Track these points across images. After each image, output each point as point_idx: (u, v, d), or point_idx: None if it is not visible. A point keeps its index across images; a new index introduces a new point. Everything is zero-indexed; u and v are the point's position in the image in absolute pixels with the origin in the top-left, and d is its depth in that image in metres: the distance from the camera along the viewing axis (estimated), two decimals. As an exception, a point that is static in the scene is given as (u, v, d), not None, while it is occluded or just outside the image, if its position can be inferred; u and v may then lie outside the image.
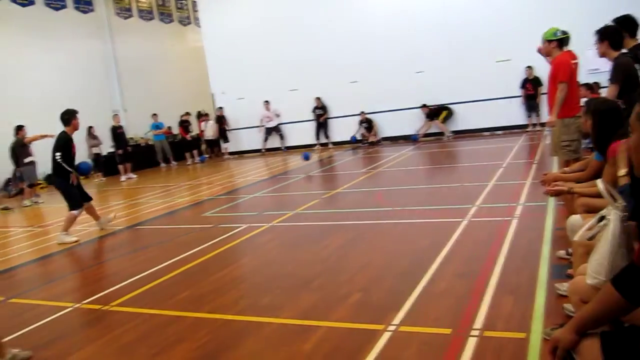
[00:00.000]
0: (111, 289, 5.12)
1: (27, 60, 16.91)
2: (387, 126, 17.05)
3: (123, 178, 16.36)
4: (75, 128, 8.00)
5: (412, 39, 16.03)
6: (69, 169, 7.86)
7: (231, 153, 19.63)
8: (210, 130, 19.45)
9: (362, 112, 16.98)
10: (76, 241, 7.65)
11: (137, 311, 4.43)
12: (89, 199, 8.33)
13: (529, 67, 14.69)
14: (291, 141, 18.66)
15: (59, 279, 6.13)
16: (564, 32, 5.98)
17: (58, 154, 7.78)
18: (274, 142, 18.83)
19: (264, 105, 18.54)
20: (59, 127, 7.99)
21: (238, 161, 17.82)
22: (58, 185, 8.06)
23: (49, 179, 14.72)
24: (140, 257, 6.52)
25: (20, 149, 12.77)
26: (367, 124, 17.07)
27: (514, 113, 15.34)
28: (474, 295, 3.83)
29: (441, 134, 16.13)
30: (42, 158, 12.33)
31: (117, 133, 16.64)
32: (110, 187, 14.99)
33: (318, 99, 17.73)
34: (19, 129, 12.78)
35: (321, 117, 17.79)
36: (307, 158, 13.90)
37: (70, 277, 6.14)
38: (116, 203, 11.92)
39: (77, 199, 7.99)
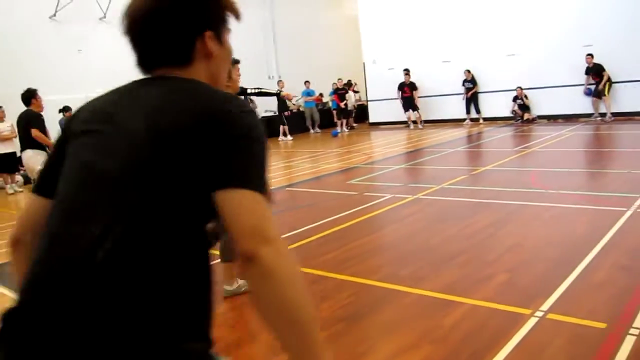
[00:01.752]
0: (262, 244, 5.44)
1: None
2: (544, 104, 15.92)
3: (281, 139, 17.58)
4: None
5: (580, 6, 14.76)
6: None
7: (371, 124, 19.74)
8: (350, 101, 19.59)
9: (519, 88, 15.96)
10: None
11: (285, 267, 4.68)
12: None
13: None
14: (440, 115, 18.15)
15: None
16: None
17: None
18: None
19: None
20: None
21: (380, 132, 17.81)
22: None
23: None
24: (290, 217, 6.86)
25: None
26: (522, 101, 16.05)
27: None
28: (638, 291, 3.52)
29: (603, 114, 14.65)
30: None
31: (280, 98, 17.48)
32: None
33: (468, 71, 17.02)
34: None
35: (469, 91, 17.09)
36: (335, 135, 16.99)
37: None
38: (273, 163, 12.58)
39: None
